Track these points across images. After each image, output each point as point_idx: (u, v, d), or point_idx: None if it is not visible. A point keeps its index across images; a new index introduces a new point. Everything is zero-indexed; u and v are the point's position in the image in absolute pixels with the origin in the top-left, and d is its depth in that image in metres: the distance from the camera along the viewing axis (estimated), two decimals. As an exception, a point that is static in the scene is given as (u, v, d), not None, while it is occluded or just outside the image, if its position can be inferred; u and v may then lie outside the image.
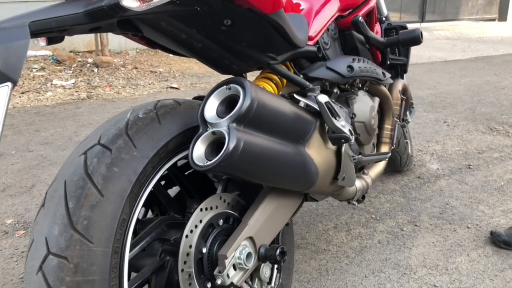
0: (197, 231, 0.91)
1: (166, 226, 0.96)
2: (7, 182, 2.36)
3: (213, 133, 0.83)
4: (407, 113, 2.13)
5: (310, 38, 1.41)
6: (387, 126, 1.74)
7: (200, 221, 0.92)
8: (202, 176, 1.09)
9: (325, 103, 1.01)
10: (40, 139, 3.10)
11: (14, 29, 0.69)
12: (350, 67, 1.44)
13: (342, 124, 1.05)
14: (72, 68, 5.74)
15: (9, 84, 0.64)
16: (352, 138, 1.07)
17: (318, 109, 1.02)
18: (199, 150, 0.83)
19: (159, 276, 0.93)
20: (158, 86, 5.11)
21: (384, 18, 2.03)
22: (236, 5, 0.99)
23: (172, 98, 0.99)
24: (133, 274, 0.92)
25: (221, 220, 0.98)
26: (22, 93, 4.55)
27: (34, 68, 5.56)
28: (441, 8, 11.18)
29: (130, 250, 0.89)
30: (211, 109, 0.87)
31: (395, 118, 1.75)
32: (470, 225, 1.89)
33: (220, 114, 0.86)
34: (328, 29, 1.54)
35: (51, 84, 4.98)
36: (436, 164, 2.59)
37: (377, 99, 1.61)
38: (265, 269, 1.05)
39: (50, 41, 0.95)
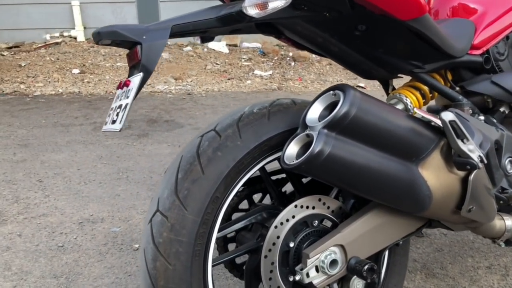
0: (288, 225, 0.96)
1: (267, 213, 1.04)
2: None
3: (307, 135, 0.86)
4: None
5: (476, 47, 1.24)
6: None
7: (293, 217, 0.97)
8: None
9: (450, 121, 0.89)
10: (229, 120, 3.61)
11: (159, 31, 0.87)
12: (524, 84, 1.20)
13: (470, 148, 0.90)
14: (273, 61, 6.34)
15: (142, 74, 0.83)
16: (481, 166, 0.91)
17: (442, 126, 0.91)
18: (292, 149, 0.88)
19: (252, 257, 1.02)
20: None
21: None
22: (368, 11, 0.97)
23: (292, 98, 1.05)
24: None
25: (317, 221, 1.00)
26: (228, 79, 5.31)
27: (243, 58, 6.37)
28: None
29: (227, 227, 1.02)
30: (314, 113, 0.90)
31: None
32: None
33: (321, 119, 0.88)
34: (508, 37, 1.32)
35: (253, 73, 5.64)
36: None
37: None
38: (357, 282, 1.02)
39: (204, 39, 1.14)
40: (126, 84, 0.87)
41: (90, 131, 3.27)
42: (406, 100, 1.21)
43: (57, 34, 7.27)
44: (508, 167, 1.18)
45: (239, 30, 1.07)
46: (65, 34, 7.29)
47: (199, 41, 1.13)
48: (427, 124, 0.95)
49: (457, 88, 1.26)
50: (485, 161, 0.93)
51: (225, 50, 6.77)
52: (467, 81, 1.27)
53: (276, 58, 6.46)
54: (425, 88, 1.23)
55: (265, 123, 0.95)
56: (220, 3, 1.05)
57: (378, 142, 0.88)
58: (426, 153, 0.93)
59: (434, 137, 0.94)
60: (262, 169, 1.03)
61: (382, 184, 0.89)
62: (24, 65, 5.60)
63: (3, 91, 4.74)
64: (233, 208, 1.15)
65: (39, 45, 6.84)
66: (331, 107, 0.90)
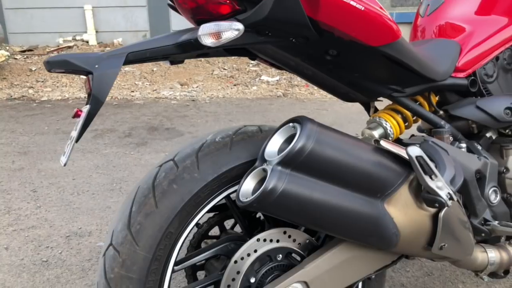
0: (249, 260, 0.92)
1: (234, 244, 1.01)
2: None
3: (264, 170, 0.83)
4: None
5: (460, 69, 1.18)
6: None
7: (255, 251, 0.93)
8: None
9: (417, 157, 0.84)
10: (229, 129, 3.58)
11: (113, 59, 0.85)
12: (511, 110, 1.14)
13: (439, 185, 0.85)
14: (282, 66, 6.29)
15: (88, 106, 0.80)
16: (450, 204, 0.86)
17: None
18: (248, 185, 0.84)
19: (217, 288, 0.99)
20: (352, 90, 5.08)
21: None
22: (336, 37, 0.93)
23: (259, 124, 1.02)
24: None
25: (280, 255, 0.96)
26: (234, 85, 5.29)
27: (251, 63, 6.34)
28: None
29: (190, 258, 0.98)
30: (273, 146, 0.86)
31: None
32: None
33: (280, 152, 0.84)
34: (498, 58, 1.25)
35: (259, 79, 5.61)
36: None
37: (554, 155, 1.22)
38: (323, 319, 0.97)
39: (172, 62, 1.11)
40: (77, 114, 0.85)
41: (89, 139, 3.28)
42: (386, 124, 1.16)
43: (70, 38, 7.38)
44: (492, 197, 1.12)
45: (206, 54, 1.04)
46: (78, 38, 7.40)
47: (168, 64, 1.10)
48: (395, 157, 0.90)
49: (441, 112, 1.21)
50: (455, 199, 0.87)
51: (234, 54, 6.76)
52: (452, 105, 1.21)
53: (284, 63, 6.41)
54: (407, 112, 1.18)
55: (226, 153, 0.92)
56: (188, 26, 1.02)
57: (338, 177, 0.83)
58: (392, 189, 0.88)
59: (401, 172, 0.89)
60: (228, 198, 0.99)
61: (344, 221, 0.84)
62: (35, 70, 5.68)
63: (11, 96, 4.82)
64: (203, 235, 1.12)
65: (52, 48, 6.94)
66: (290, 139, 0.86)
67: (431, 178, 0.85)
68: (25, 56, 6.43)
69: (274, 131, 0.89)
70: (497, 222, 1.08)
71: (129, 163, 2.80)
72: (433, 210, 0.92)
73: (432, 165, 0.84)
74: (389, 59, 0.99)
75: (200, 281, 1.00)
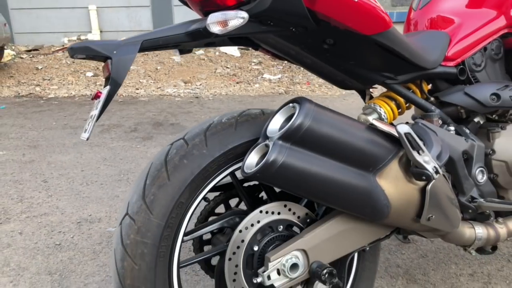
0: (253, 230, 1.01)
1: (239, 217, 1.09)
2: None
3: (266, 145, 0.91)
4: None
5: (450, 58, 1.26)
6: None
7: (258, 222, 1.02)
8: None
9: (405, 134, 0.92)
10: (232, 124, 3.67)
11: (129, 46, 0.93)
12: (496, 95, 1.22)
13: (426, 159, 0.93)
14: (283, 64, 6.38)
15: (108, 87, 0.89)
16: (436, 177, 0.94)
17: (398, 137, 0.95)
18: (252, 159, 0.92)
19: (222, 259, 1.07)
20: (353, 88, 5.16)
21: None
22: (333, 26, 1.01)
23: (263, 108, 1.10)
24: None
25: (281, 226, 1.04)
26: (237, 83, 5.38)
27: (254, 61, 6.44)
28: None
29: (197, 230, 1.07)
30: (275, 124, 0.95)
31: None
32: None
33: (281, 130, 0.93)
34: (486, 48, 1.33)
35: (262, 77, 5.69)
36: None
37: (537, 137, 1.30)
38: (320, 286, 1.06)
39: (181, 52, 1.20)
40: (97, 95, 0.93)
41: (97, 134, 3.37)
42: (380, 110, 1.24)
43: (74, 38, 7.50)
44: (479, 177, 1.20)
45: (213, 43, 1.13)
46: (82, 37, 7.51)
47: (177, 53, 1.19)
48: (385, 135, 0.98)
49: (432, 99, 1.29)
50: (441, 172, 0.96)
51: (237, 53, 6.85)
52: (442, 92, 1.29)
53: (285, 62, 6.49)
54: (401, 99, 1.26)
55: (232, 132, 1.00)
56: (196, 16, 1.11)
57: (333, 152, 0.92)
58: (383, 164, 0.96)
59: (392, 148, 0.98)
60: (233, 175, 1.08)
61: (338, 192, 0.93)
62: (41, 68, 5.79)
63: (19, 94, 4.92)
64: (209, 212, 1.21)
65: (57, 48, 7.05)
66: (290, 118, 0.94)
67: (418, 153, 0.94)
68: (31, 56, 6.54)
69: (275, 111, 0.97)
70: (483, 199, 1.16)
71: (135, 156, 2.89)
72: (421, 183, 1.00)
73: (419, 141, 0.93)
74: (381, 47, 1.08)
75: (207, 252, 1.09)
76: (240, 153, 1.01)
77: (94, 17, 7.41)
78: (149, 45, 0.96)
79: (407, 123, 1.35)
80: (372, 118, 1.24)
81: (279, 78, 5.65)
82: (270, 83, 5.41)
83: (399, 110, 1.29)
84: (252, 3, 0.97)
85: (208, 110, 4.14)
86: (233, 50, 6.93)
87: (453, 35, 1.29)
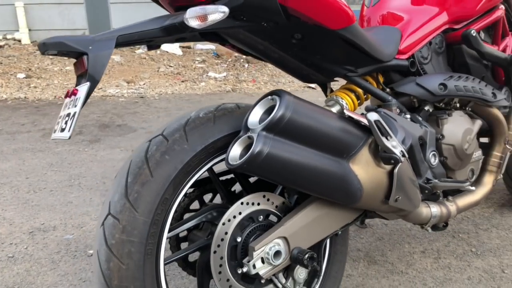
0: (235, 221, 1.03)
1: (216, 211, 1.11)
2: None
3: (249, 137, 0.94)
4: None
5: (402, 52, 1.37)
6: (496, 153, 1.55)
7: (240, 213, 1.04)
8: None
9: (375, 121, 1.00)
10: (183, 123, 3.63)
11: (105, 41, 0.91)
12: (443, 85, 1.35)
13: (393, 144, 1.02)
14: (227, 62, 6.41)
15: (88, 83, 0.87)
16: (403, 160, 1.03)
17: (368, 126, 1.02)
18: (235, 151, 0.95)
19: (203, 254, 1.09)
20: (297, 84, 5.32)
21: (520, 30, 1.78)
22: (302, 22, 1.06)
23: (237, 102, 1.13)
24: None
25: (261, 216, 1.07)
26: (182, 81, 5.32)
27: (197, 60, 6.39)
28: None
29: (178, 226, 1.07)
30: (255, 116, 0.98)
31: (507, 146, 1.55)
32: None
33: (261, 122, 0.96)
34: (431, 42, 1.46)
35: (207, 75, 5.68)
36: None
37: (478, 123, 1.46)
38: (300, 271, 1.11)
39: (150, 47, 1.18)
40: (73, 93, 0.90)
41: (38, 138, 3.18)
42: (342, 101, 1.32)
43: (0, 37, 6.95)
44: (432, 160, 1.31)
45: (184, 38, 1.13)
46: (9, 36, 6.98)
47: (145, 49, 1.17)
48: (356, 124, 1.05)
49: (388, 90, 1.39)
50: (407, 156, 1.05)
51: (179, 52, 6.76)
52: (396, 83, 1.39)
53: (230, 60, 6.52)
54: (359, 90, 1.35)
55: (211, 126, 1.02)
56: (165, 12, 1.11)
57: (311, 141, 0.97)
58: (355, 150, 1.03)
59: (362, 135, 1.05)
60: (210, 170, 1.09)
61: (317, 179, 0.98)
62: (-36, 70, 5.31)
63: None
64: (185, 208, 1.21)
65: (-20, 48, 6.49)
66: (269, 110, 0.98)
67: (387, 139, 1.02)
68: (-51, 57, 5.96)
69: (254, 103, 1.00)
70: (437, 180, 1.28)
71: (84, 160, 2.77)
72: (388, 167, 1.08)
73: (387, 127, 1.01)
74: (345, 42, 1.15)
75: (187, 248, 1.10)
76: (220, 147, 1.03)
77: (21, 15, 6.91)
78: (124, 40, 0.94)
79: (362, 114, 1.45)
80: (335, 110, 1.31)
81: (224, 76, 5.66)
82: (216, 81, 5.41)
83: (359, 101, 1.38)
84: (228, -2, 0.99)
85: (155, 109, 4.05)
86: (174, 49, 6.82)
87: (404, 31, 1.40)
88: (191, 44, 7.08)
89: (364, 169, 1.05)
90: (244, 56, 6.88)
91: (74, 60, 0.95)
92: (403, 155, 1.03)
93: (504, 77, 1.65)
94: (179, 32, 0.98)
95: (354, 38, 1.13)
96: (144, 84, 5.10)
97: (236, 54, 7.10)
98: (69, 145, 3.03)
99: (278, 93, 0.96)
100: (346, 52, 1.20)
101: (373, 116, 1.00)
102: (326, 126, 0.98)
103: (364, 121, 1.03)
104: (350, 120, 1.05)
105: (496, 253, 1.77)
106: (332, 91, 1.46)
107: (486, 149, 1.58)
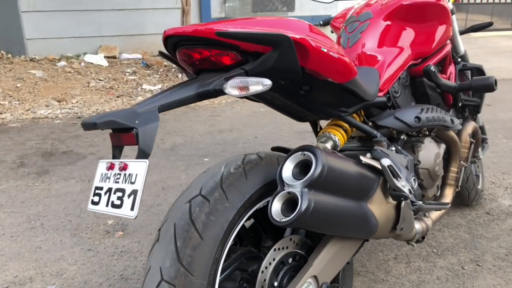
0: (271, 268, 1.11)
1: (245, 258, 1.18)
2: (108, 185, 2.77)
3: (289, 193, 1.02)
4: (479, 149, 2.16)
5: (381, 90, 1.54)
6: (453, 169, 1.80)
7: (274, 259, 1.12)
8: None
9: (388, 166, 1.15)
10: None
11: (148, 113, 0.93)
12: (418, 118, 1.54)
13: (403, 184, 1.18)
14: (159, 73, 6.27)
15: (147, 161, 0.88)
16: (411, 197, 1.20)
17: (381, 169, 1.16)
18: (276, 206, 1.03)
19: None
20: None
21: (459, 59, 2.07)
22: (314, 77, 1.17)
23: (255, 152, 1.19)
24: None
25: (291, 259, 1.17)
26: (118, 96, 5.11)
27: (127, 72, 6.17)
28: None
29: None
30: (287, 171, 1.06)
31: (462, 162, 1.81)
32: (537, 271, 1.89)
33: (295, 176, 1.05)
34: (399, 77, 1.65)
35: (141, 88, 5.51)
36: (509, 200, 2.55)
37: (443, 146, 1.69)
38: (325, 302, 1.22)
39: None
40: (124, 168, 0.91)
41: (-26, 175, 2.88)
42: (335, 137, 1.45)
43: None
44: (414, 184, 1.50)
45: None
46: None
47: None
48: (369, 167, 1.19)
49: (370, 123, 1.56)
50: (413, 192, 1.21)
51: (104, 63, 6.46)
52: (376, 117, 1.57)
53: (161, 70, 6.40)
54: (346, 125, 1.49)
55: (245, 182, 1.08)
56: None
57: (341, 190, 1.08)
58: (372, 191, 1.17)
59: (375, 178, 1.19)
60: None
61: (347, 222, 1.10)
62: None
63: None
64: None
65: None
66: (300, 165, 1.07)
67: (397, 179, 1.17)
68: None
69: (285, 159, 1.08)
70: (421, 202, 1.48)
71: (38, 196, 2.59)
72: (395, 202, 1.24)
73: (397, 170, 1.16)
74: (345, 90, 1.28)
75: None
76: (253, 200, 1.09)
77: None
78: (163, 109, 0.97)
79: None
80: (329, 145, 1.44)
81: (160, 88, 5.55)
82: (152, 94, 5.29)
83: (346, 135, 1.52)
84: (251, 62, 1.06)
85: (98, 131, 3.86)
86: (99, 59, 6.51)
87: (380, 70, 1.58)
88: (115, 53, 6.82)
89: (378, 207, 1.19)
90: (174, 65, 6.80)
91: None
92: (410, 192, 1.19)
93: (452, 102, 1.92)
94: (213, 97, 1.03)
95: (355, 88, 1.27)
96: (77, 102, 4.81)
97: (166, 63, 6.99)
98: (14, 180, 2.80)
99: (310, 149, 1.06)
100: (343, 98, 1.33)
101: (386, 162, 1.14)
102: (351, 175, 1.10)
103: (377, 165, 1.17)
104: (364, 164, 1.18)
105: (453, 251, 2.05)
106: (320, 127, 1.59)
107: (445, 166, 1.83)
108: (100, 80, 5.70)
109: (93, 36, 6.76)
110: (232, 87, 0.97)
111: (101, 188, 0.97)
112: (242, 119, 4.33)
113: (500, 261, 1.96)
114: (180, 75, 6.23)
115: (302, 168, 1.06)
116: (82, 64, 6.27)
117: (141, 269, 1.90)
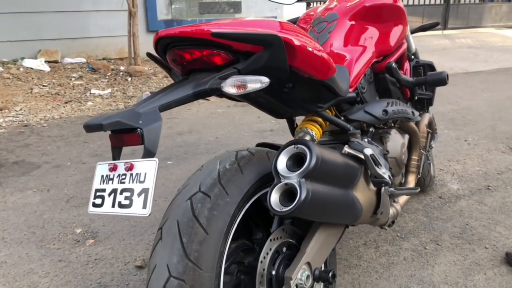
0: (268, 257, 1.16)
1: (242, 251, 1.21)
2: (69, 193, 2.66)
3: (286, 184, 1.08)
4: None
5: (351, 86, 1.64)
6: (415, 157, 1.96)
7: (270, 249, 1.17)
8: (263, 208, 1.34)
9: (370, 155, 1.24)
10: (90, 151, 3.40)
11: (151, 113, 0.94)
12: (385, 111, 1.66)
13: (383, 171, 1.28)
14: (107, 77, 6.07)
15: (156, 159, 0.89)
16: (391, 182, 1.30)
17: (364, 159, 1.25)
18: (274, 197, 1.08)
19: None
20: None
21: (412, 56, 2.25)
22: (298, 75, 1.23)
23: (246, 148, 1.24)
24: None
25: (284, 248, 1.22)
26: (66, 102, 4.89)
27: (73, 76, 5.91)
28: (464, 15, 11.20)
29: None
30: (281, 164, 1.12)
31: (421, 150, 1.97)
32: (488, 246, 2.10)
33: (290, 168, 1.11)
34: (365, 74, 1.77)
35: (90, 93, 5.31)
36: (456, 184, 2.79)
37: (406, 136, 1.84)
38: (317, 287, 1.29)
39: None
40: (130, 168, 0.91)
41: None
42: (312, 132, 1.53)
43: None
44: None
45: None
46: None
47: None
48: (352, 157, 1.28)
49: (342, 118, 1.65)
50: (392, 178, 1.31)
51: (46, 68, 6.14)
52: (347, 111, 1.67)
53: (109, 74, 6.20)
54: (321, 120, 1.58)
55: (241, 177, 1.12)
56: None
57: (331, 179, 1.16)
58: (356, 179, 1.26)
59: (359, 166, 1.28)
60: None
61: (337, 210, 1.18)
62: None
63: None
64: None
65: None
66: (293, 158, 1.13)
67: (378, 167, 1.26)
68: None
69: (278, 152, 1.14)
70: (393, 188, 1.60)
71: (-6, 210, 2.43)
72: (375, 188, 1.34)
73: (378, 157, 1.25)
74: (324, 87, 1.36)
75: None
76: (250, 194, 1.14)
77: None
78: (164, 109, 0.99)
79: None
80: (308, 139, 1.52)
81: (110, 92, 5.38)
82: (103, 99, 5.12)
83: (321, 129, 1.61)
84: (244, 61, 1.11)
85: (50, 139, 3.69)
86: (40, 64, 6.18)
87: (349, 67, 1.68)
88: (57, 57, 6.51)
89: (362, 193, 1.28)
90: (122, 68, 6.62)
91: None
92: (390, 178, 1.29)
93: (409, 95, 2.09)
94: (209, 96, 1.06)
95: (333, 84, 1.36)
96: (21, 109, 4.53)
97: (113, 66, 6.78)
98: (-37, 195, 2.60)
99: (303, 142, 1.12)
100: (322, 94, 1.42)
101: (369, 151, 1.24)
102: (339, 165, 1.18)
103: (361, 155, 1.26)
104: (348, 155, 1.27)
105: (414, 234, 2.21)
106: (296, 124, 1.67)
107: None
108: (44, 86, 5.42)
109: (32, 39, 6.40)
110: (230, 86, 1.01)
111: (103, 190, 0.96)
112: (200, 120, 4.33)
113: (456, 239, 2.16)
114: (129, 79, 6.08)
115: (295, 160, 1.12)
116: (21, 69, 5.91)
117: (120, 275, 1.86)
